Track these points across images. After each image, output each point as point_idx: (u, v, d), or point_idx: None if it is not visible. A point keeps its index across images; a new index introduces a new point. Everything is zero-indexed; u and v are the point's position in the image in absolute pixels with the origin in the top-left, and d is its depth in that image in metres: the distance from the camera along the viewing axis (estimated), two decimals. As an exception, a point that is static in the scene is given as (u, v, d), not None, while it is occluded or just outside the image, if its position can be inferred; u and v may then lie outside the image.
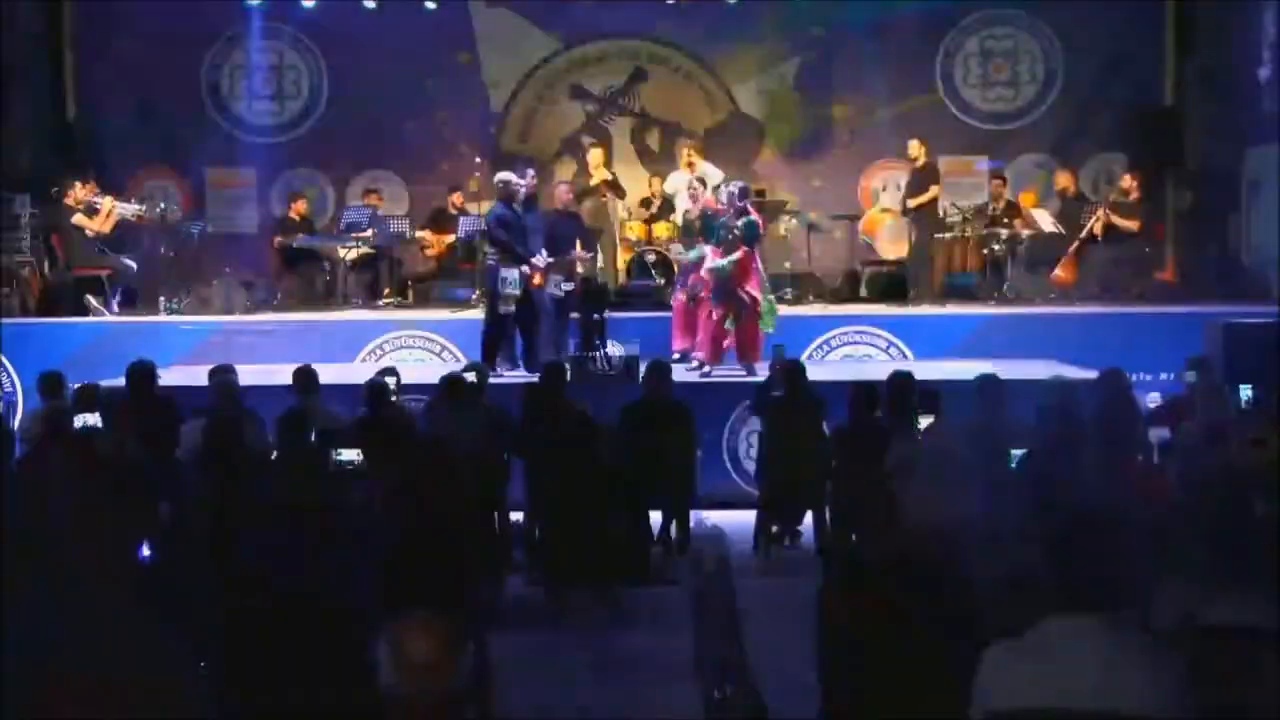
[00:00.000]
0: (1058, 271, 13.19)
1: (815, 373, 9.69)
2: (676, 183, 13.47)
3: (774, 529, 8.91)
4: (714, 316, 10.78)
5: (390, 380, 8.77)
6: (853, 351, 12.02)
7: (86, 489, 5.90)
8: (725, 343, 10.89)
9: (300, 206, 14.04)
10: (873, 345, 12.04)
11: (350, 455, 6.61)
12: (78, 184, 12.81)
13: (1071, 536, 3.49)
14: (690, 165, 13.25)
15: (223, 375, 8.87)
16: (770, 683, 5.98)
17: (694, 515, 8.94)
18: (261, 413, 7.97)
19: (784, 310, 12.40)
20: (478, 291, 13.20)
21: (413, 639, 2.82)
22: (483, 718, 4.36)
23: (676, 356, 11.05)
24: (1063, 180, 13.90)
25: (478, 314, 12.65)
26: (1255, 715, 3.70)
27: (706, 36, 15.18)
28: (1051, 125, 15.06)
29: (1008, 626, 3.51)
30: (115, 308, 12.46)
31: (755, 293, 10.81)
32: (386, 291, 13.67)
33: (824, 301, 13.35)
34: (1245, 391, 8.36)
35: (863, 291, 13.85)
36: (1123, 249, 13.16)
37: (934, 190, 13.69)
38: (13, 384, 11.44)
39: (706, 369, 10.80)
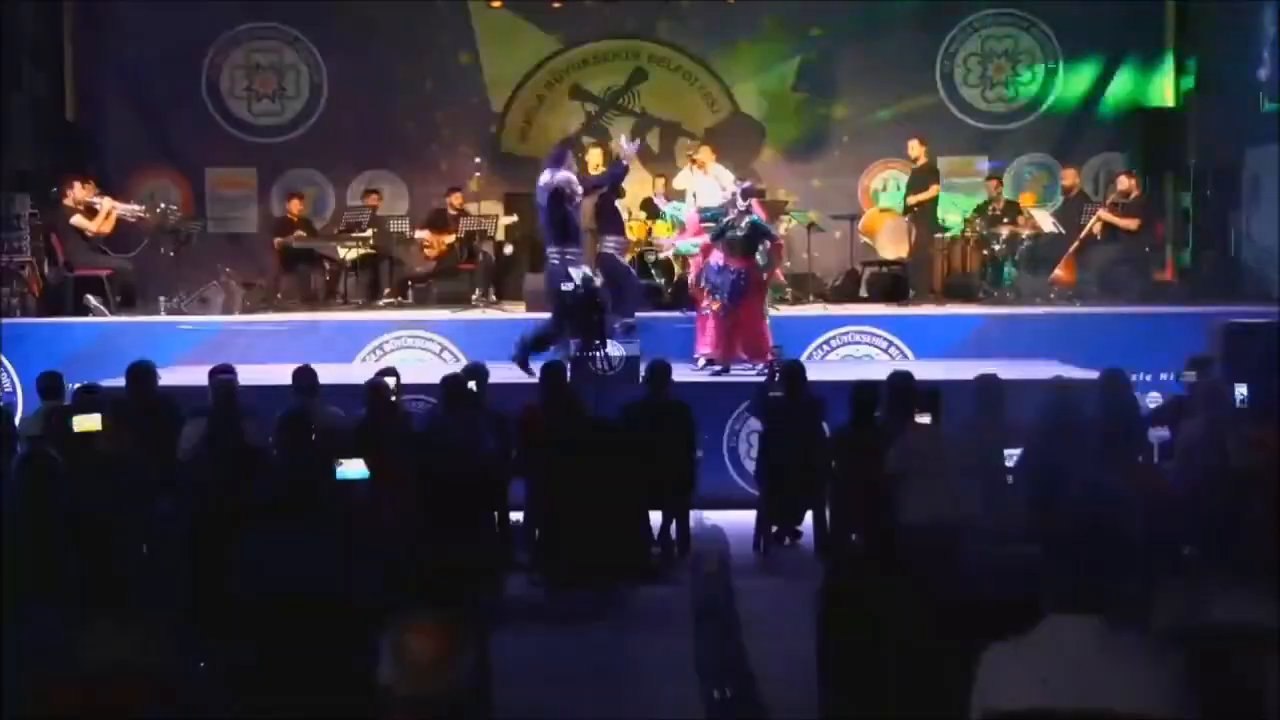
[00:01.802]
0: (1058, 271, 13.18)
1: (815, 373, 9.68)
2: (684, 184, 13.47)
3: (774, 529, 8.91)
4: (722, 313, 10.75)
5: (390, 380, 8.75)
6: (853, 351, 12.01)
7: (86, 489, 5.92)
8: (735, 340, 10.84)
9: (295, 206, 14.02)
10: (873, 345, 12.03)
11: (353, 469, 6.47)
12: (77, 184, 12.78)
13: (1071, 536, 3.49)
14: (701, 166, 13.22)
15: (223, 375, 8.85)
16: (770, 683, 5.99)
17: (694, 515, 8.94)
18: (261, 413, 7.95)
19: (784, 310, 12.42)
20: (479, 292, 13.22)
21: (413, 639, 2.81)
22: (482, 718, 4.36)
23: (703, 364, 10.97)
24: (1069, 177, 13.91)
25: (478, 314, 12.68)
26: (1256, 715, 3.70)
27: (706, 36, 15.18)
28: (1051, 125, 15.07)
29: (1008, 626, 3.51)
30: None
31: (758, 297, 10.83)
32: (387, 291, 13.67)
33: (824, 301, 13.35)
34: (1240, 390, 8.35)
35: (863, 291, 13.86)
36: (1123, 249, 13.16)
37: (934, 190, 13.69)
38: (13, 384, 11.42)
39: (719, 367, 10.79)
